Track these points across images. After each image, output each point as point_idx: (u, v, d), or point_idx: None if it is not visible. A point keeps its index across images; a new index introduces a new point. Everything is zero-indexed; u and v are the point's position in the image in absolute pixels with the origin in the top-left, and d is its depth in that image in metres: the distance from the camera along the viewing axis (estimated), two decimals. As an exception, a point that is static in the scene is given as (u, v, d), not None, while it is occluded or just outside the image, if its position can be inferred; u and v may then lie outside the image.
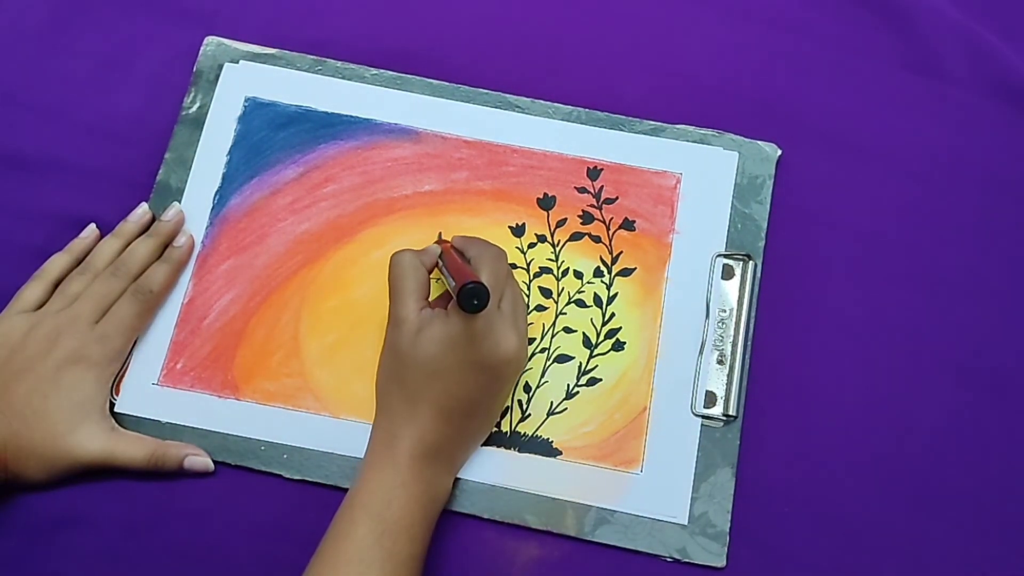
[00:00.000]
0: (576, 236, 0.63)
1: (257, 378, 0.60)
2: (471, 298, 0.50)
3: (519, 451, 0.58)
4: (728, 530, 0.57)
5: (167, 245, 0.62)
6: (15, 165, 0.65)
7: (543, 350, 0.60)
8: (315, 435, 0.58)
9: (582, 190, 0.64)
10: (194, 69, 0.66)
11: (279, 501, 0.58)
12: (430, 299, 0.56)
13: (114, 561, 0.57)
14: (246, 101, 0.65)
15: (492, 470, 0.58)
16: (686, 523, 0.57)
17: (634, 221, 0.63)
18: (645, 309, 0.61)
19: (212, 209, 0.63)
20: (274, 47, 0.67)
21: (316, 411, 0.59)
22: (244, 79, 0.66)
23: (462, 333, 0.53)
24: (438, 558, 0.56)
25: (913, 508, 0.58)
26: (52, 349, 0.56)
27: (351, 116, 0.65)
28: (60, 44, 0.68)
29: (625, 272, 0.62)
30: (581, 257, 0.62)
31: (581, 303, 0.62)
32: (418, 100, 0.65)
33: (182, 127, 0.65)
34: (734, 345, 0.60)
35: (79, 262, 0.61)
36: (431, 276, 0.57)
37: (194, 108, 0.65)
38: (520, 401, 0.59)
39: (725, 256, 0.62)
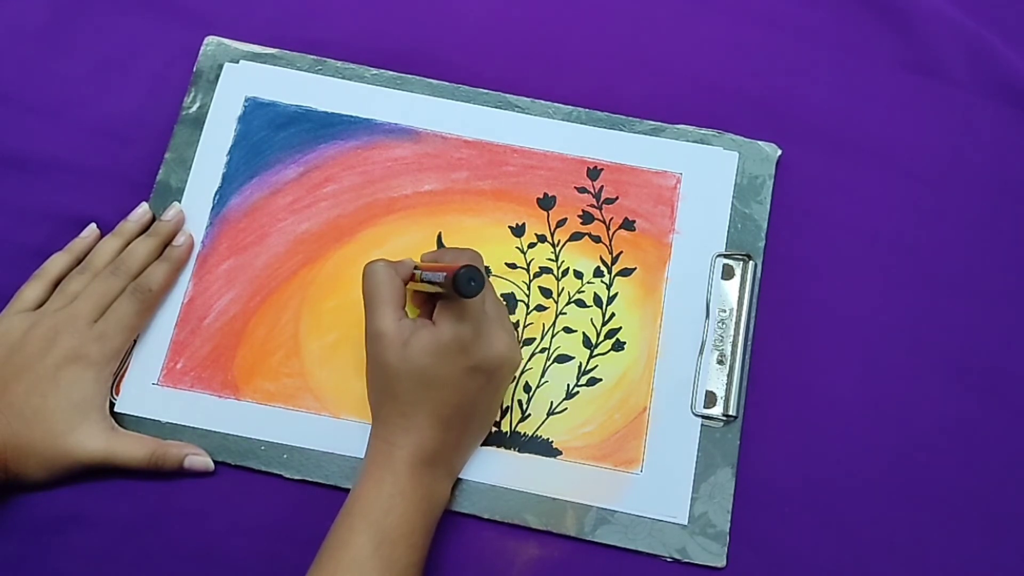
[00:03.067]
0: (576, 236, 0.63)
1: (257, 378, 0.60)
2: (468, 280, 0.48)
3: (519, 451, 0.58)
4: (728, 530, 0.57)
5: (167, 245, 0.62)
6: (15, 165, 0.65)
7: (543, 350, 0.60)
8: (315, 435, 0.58)
9: (582, 190, 0.64)
10: (194, 69, 0.66)
11: (279, 501, 0.58)
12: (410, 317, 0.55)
13: (114, 561, 0.56)
14: (246, 101, 0.65)
15: (492, 470, 0.58)
16: (686, 523, 0.57)
17: (634, 221, 0.63)
18: (645, 309, 0.61)
19: (212, 209, 0.63)
20: (274, 47, 0.67)
21: (316, 411, 0.59)
22: (244, 79, 0.66)
23: (453, 340, 0.52)
24: (438, 558, 0.56)
25: (913, 508, 0.58)
26: (51, 348, 0.56)
27: (351, 116, 0.65)
28: (60, 44, 0.68)
29: (625, 272, 0.62)
30: (581, 257, 0.62)
31: (581, 303, 0.61)
32: (418, 100, 0.65)
33: (182, 127, 0.65)
34: (734, 345, 0.60)
35: (79, 261, 0.61)
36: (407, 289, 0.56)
37: (194, 108, 0.65)
38: (520, 401, 0.59)
39: (725, 256, 0.62)
